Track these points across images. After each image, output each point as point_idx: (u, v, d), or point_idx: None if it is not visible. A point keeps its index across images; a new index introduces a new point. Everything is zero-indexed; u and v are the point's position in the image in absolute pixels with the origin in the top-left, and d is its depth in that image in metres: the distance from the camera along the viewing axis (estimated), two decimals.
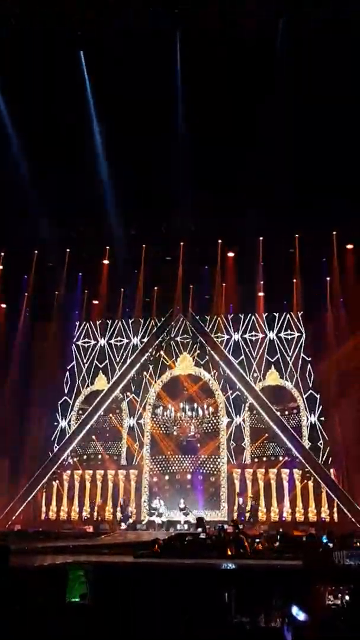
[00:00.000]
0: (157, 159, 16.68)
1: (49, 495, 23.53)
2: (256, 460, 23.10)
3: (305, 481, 21.98)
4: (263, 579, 7.42)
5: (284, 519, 21.70)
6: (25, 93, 15.69)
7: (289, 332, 24.08)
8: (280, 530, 17.31)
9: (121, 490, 23.16)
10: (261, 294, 23.27)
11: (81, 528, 21.24)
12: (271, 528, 19.49)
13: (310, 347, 23.62)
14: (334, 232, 20.49)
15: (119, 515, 22.38)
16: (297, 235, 20.74)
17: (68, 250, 21.95)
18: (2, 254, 21.64)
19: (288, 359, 23.76)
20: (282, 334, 24.10)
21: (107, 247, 22.04)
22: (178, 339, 24.74)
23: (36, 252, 21.76)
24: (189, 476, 23.25)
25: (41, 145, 16.50)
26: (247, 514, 21.41)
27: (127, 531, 20.60)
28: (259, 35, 14.19)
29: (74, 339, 25.64)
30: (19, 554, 10.83)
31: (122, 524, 21.38)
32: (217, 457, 23.24)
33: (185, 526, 20.13)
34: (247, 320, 24.46)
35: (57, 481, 23.60)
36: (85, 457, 24.28)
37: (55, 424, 24.53)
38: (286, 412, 23.31)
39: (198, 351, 24.47)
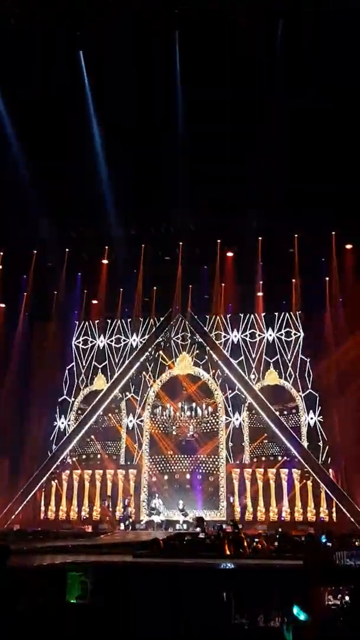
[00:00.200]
0: (156, 158, 16.68)
1: (48, 494, 23.53)
2: (255, 460, 23.10)
3: (304, 481, 21.99)
4: (262, 579, 7.42)
5: (283, 518, 21.72)
6: (25, 92, 15.68)
7: (288, 331, 24.08)
8: (280, 530, 17.32)
9: (120, 490, 23.16)
10: (260, 293, 23.28)
11: (80, 528, 21.24)
12: (270, 528, 19.51)
13: (309, 346, 23.63)
14: (333, 232, 20.52)
15: (118, 514, 22.35)
16: (296, 235, 20.76)
17: (67, 250, 21.95)
18: (1, 253, 21.61)
19: (287, 358, 23.76)
20: (281, 334, 24.11)
21: (107, 247, 22.05)
22: (177, 338, 24.75)
23: (35, 251, 21.75)
24: (188, 476, 23.25)
25: (40, 145, 16.50)
26: (238, 513, 21.44)
27: (126, 531, 20.61)
28: (258, 35, 14.20)
29: (73, 339, 25.63)
30: (18, 554, 10.83)
31: (122, 524, 21.36)
32: (216, 457, 23.24)
33: (185, 526, 20.14)
34: (246, 320, 24.47)
35: (56, 481, 23.60)
36: (84, 456, 24.26)
37: (55, 423, 24.54)
38: (285, 412, 23.30)
39: (197, 351, 24.47)
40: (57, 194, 17.68)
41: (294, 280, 22.26)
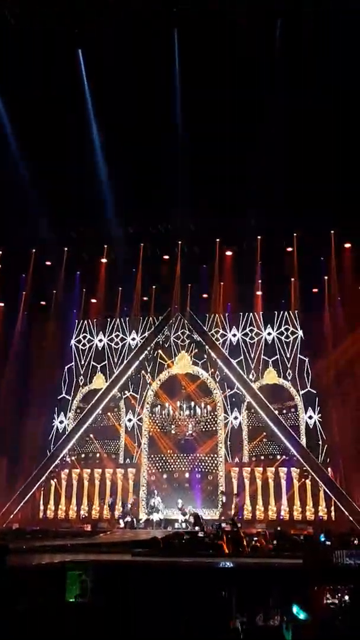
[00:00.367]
0: (156, 158, 16.70)
1: (47, 493, 23.53)
2: (254, 458, 23.10)
3: (303, 480, 22.00)
4: (261, 578, 7.44)
5: (281, 517, 21.74)
6: (24, 92, 15.68)
7: (287, 330, 24.09)
8: (278, 528, 17.35)
9: (119, 489, 23.17)
10: (259, 293, 23.30)
11: (79, 526, 21.25)
12: (269, 527, 19.52)
13: (308, 345, 23.64)
14: (332, 232, 20.54)
15: (117, 514, 22.35)
16: (295, 235, 20.78)
17: (66, 249, 21.95)
18: (0, 252, 21.61)
19: (286, 357, 23.77)
20: (280, 333, 24.11)
21: (105, 246, 22.06)
22: (176, 337, 24.75)
23: (34, 250, 21.75)
24: (186, 475, 23.25)
25: (40, 144, 16.51)
26: (232, 512, 21.48)
27: (125, 529, 20.62)
28: (258, 35, 14.20)
29: (72, 338, 25.63)
30: (17, 553, 10.85)
31: (121, 520, 21.38)
32: (215, 455, 23.26)
33: (184, 525, 20.15)
34: (245, 319, 24.47)
35: (55, 480, 23.60)
36: (83, 455, 24.26)
37: (53, 422, 24.55)
38: (284, 411, 23.31)
39: (196, 350, 24.48)
40: (57, 193, 17.69)
41: (292, 280, 22.29)
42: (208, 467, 23.26)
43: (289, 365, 23.62)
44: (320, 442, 22.41)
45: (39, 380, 23.70)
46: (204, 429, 23.81)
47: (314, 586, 5.80)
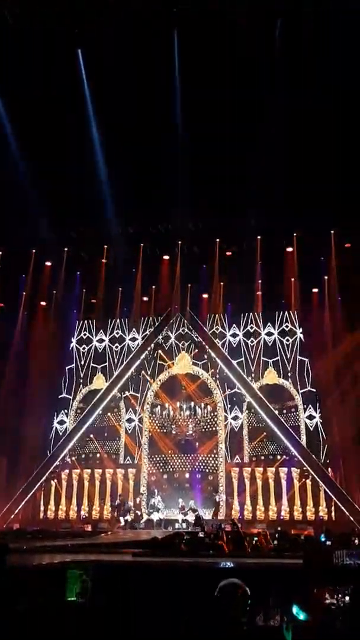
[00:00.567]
0: (156, 158, 16.70)
1: (48, 494, 23.51)
2: (254, 459, 23.10)
3: (303, 480, 21.99)
4: (262, 578, 7.43)
5: (282, 517, 21.74)
6: (24, 92, 15.69)
7: (287, 330, 24.07)
8: (279, 528, 17.34)
9: (120, 489, 23.16)
10: (259, 292, 23.29)
11: (79, 527, 21.23)
12: (269, 527, 19.51)
13: (308, 345, 23.64)
14: (332, 232, 20.54)
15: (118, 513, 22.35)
16: (295, 235, 20.79)
17: (66, 249, 21.95)
18: (0, 253, 21.61)
19: (286, 357, 23.76)
20: (280, 333, 24.10)
21: (106, 247, 22.06)
22: (176, 337, 24.75)
23: (34, 251, 21.75)
24: (187, 475, 23.27)
25: (40, 144, 16.51)
26: (220, 511, 21.51)
27: (125, 530, 20.61)
28: (258, 35, 14.21)
29: (72, 338, 25.62)
30: (18, 553, 10.84)
31: (121, 518, 21.38)
32: (215, 456, 23.25)
33: (184, 525, 20.15)
34: (245, 319, 24.46)
35: (55, 480, 23.59)
36: (83, 456, 24.26)
37: (54, 423, 24.54)
38: (284, 411, 23.30)
39: (196, 350, 24.49)
40: (57, 193, 17.69)
41: (292, 279, 22.29)
42: (208, 468, 23.26)
43: (289, 365, 23.61)
44: (320, 442, 22.40)
45: (39, 380, 23.69)
46: (204, 429, 23.81)
47: (314, 586, 5.79)
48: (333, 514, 21.19)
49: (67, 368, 25.20)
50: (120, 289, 24.03)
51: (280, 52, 14.35)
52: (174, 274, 22.56)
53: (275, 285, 22.42)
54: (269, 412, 22.76)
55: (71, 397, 24.85)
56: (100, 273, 22.82)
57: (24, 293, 23.32)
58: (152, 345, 24.62)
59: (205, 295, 23.96)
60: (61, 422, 24.57)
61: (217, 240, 21.59)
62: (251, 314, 24.27)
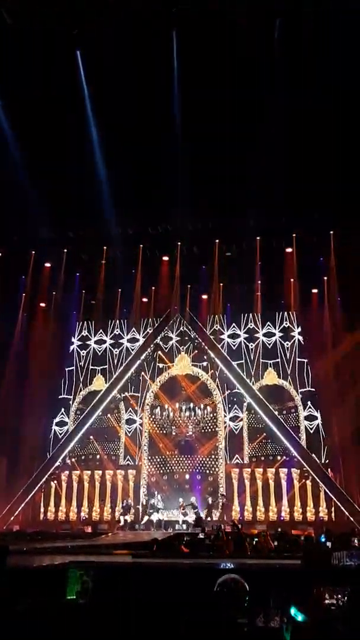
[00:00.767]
0: (155, 158, 16.68)
1: (48, 495, 23.50)
2: (254, 459, 23.09)
3: (304, 480, 21.99)
4: (262, 579, 7.41)
5: (282, 518, 21.72)
6: (24, 92, 15.67)
7: (286, 331, 24.06)
8: (279, 529, 17.33)
9: (120, 490, 23.14)
10: (259, 293, 23.27)
11: (79, 528, 21.23)
12: (269, 527, 19.50)
13: (307, 346, 23.63)
14: (332, 232, 20.53)
15: (117, 514, 22.31)
16: (295, 235, 20.76)
17: (66, 250, 21.93)
18: (0, 254, 21.59)
19: (285, 358, 23.74)
20: (279, 333, 24.08)
21: (105, 248, 22.04)
22: (176, 338, 24.74)
23: (34, 252, 21.73)
24: (187, 476, 23.25)
25: (39, 144, 16.49)
26: (219, 511, 21.48)
27: (125, 531, 20.60)
28: (258, 35, 14.19)
29: (72, 339, 25.61)
30: (17, 554, 10.81)
31: (121, 517, 21.34)
32: (215, 456, 23.24)
33: (184, 526, 20.14)
34: (244, 319, 24.45)
35: (55, 481, 23.57)
36: (83, 457, 24.26)
37: (53, 424, 24.50)
38: (284, 412, 23.30)
39: (196, 351, 24.48)
40: (57, 193, 17.66)
41: (292, 280, 22.26)
42: (208, 468, 23.24)
43: (288, 366, 23.59)
44: (320, 443, 22.38)
45: (39, 381, 23.66)
46: (204, 430, 23.79)
47: (314, 587, 5.76)
48: (333, 514, 21.18)
49: (66, 369, 25.18)
50: (119, 289, 24.00)
51: (280, 52, 14.32)
52: (174, 275, 22.53)
53: (275, 285, 22.39)
54: (269, 412, 22.75)
55: (71, 398, 24.83)
56: (100, 274, 22.77)
57: (24, 294, 23.29)
58: (152, 346, 24.60)
59: (204, 296, 23.92)
60: (61, 423, 24.54)
61: (217, 240, 21.56)
62: (251, 314, 24.26)
